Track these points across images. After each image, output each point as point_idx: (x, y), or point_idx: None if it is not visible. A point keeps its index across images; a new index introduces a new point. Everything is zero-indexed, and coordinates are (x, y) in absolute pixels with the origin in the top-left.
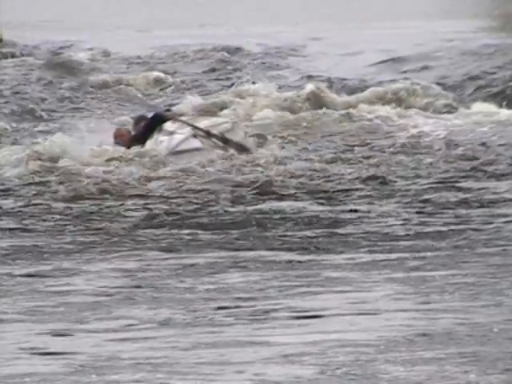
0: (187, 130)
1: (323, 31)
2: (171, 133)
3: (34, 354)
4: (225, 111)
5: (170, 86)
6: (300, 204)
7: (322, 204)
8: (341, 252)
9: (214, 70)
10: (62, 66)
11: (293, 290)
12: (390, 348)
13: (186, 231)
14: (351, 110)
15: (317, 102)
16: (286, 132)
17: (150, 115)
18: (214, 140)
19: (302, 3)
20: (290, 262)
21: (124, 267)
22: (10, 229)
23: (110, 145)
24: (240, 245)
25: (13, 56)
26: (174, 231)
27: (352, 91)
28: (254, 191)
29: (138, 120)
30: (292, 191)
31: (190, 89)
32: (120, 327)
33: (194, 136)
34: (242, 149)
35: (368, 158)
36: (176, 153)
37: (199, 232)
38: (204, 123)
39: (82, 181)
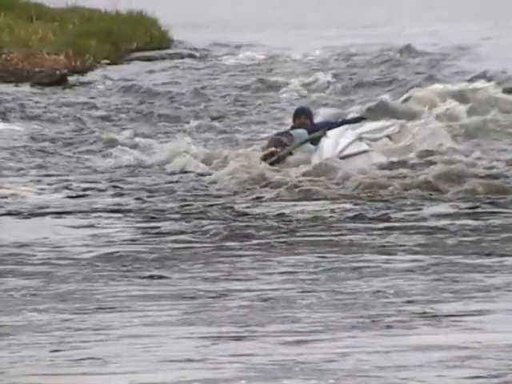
0: (353, 133)
1: (491, 29)
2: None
3: (202, 356)
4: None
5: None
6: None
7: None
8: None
9: (387, 69)
10: (235, 68)
11: (458, 294)
12: None
13: (343, 232)
14: None
15: None
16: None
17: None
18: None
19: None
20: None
21: (284, 270)
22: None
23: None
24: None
25: (181, 57)
26: (336, 233)
27: None
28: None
29: (299, 112)
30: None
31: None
32: (288, 330)
33: (360, 139)
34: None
35: None
36: (344, 156)
37: (352, 233)
38: (369, 126)
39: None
